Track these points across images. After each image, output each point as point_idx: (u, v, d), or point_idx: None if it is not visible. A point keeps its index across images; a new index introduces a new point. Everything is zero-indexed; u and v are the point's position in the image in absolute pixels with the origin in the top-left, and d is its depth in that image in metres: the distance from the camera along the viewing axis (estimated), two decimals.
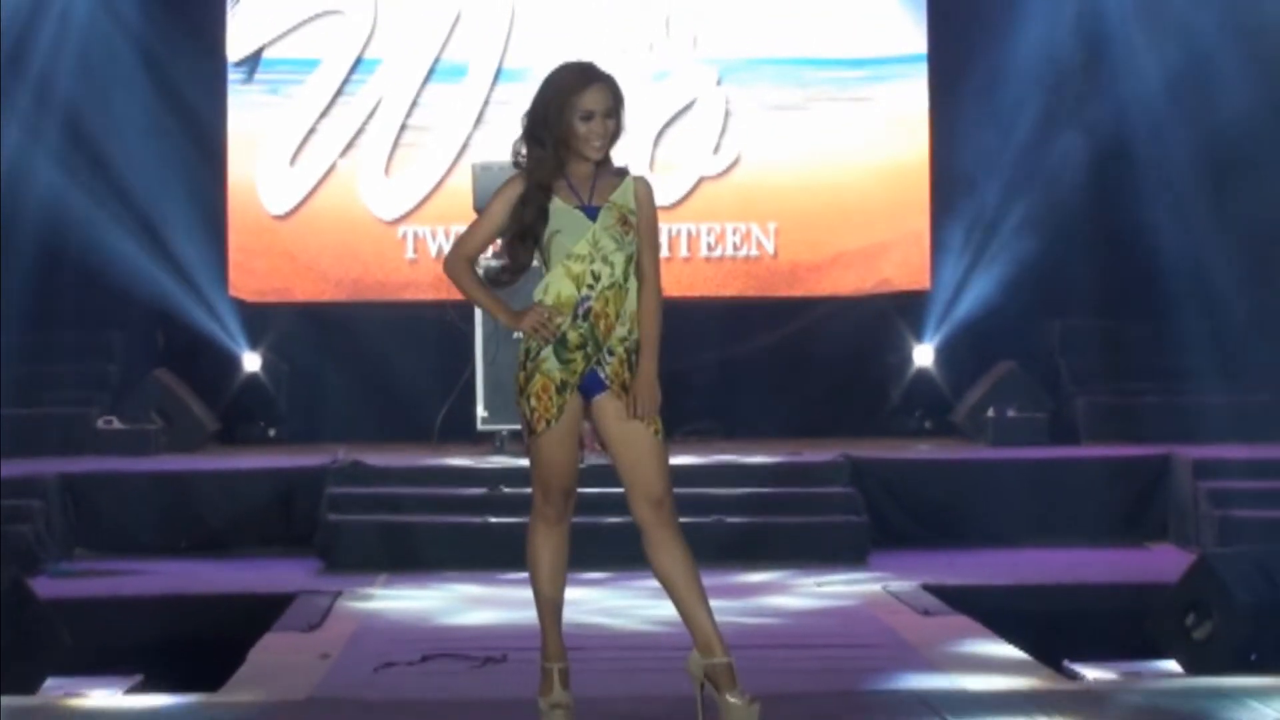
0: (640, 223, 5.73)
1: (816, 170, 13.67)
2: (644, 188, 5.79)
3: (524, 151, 5.73)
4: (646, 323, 5.75)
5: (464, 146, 13.49)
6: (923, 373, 13.72)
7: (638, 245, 5.73)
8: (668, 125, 13.52)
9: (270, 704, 6.53)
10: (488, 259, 11.59)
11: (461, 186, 12.53)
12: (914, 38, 13.69)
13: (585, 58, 5.86)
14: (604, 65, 5.80)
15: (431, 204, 13.60)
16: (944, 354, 13.71)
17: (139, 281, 13.38)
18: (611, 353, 5.69)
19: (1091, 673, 8.02)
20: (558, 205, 5.68)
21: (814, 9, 13.67)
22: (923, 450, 12.41)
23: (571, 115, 5.64)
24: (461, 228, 13.23)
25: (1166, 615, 7.97)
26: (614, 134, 5.70)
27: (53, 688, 7.65)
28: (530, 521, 5.79)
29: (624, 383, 5.69)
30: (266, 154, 13.63)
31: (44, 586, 8.84)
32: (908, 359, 13.78)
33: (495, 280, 5.77)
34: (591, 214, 5.68)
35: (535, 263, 5.77)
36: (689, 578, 5.66)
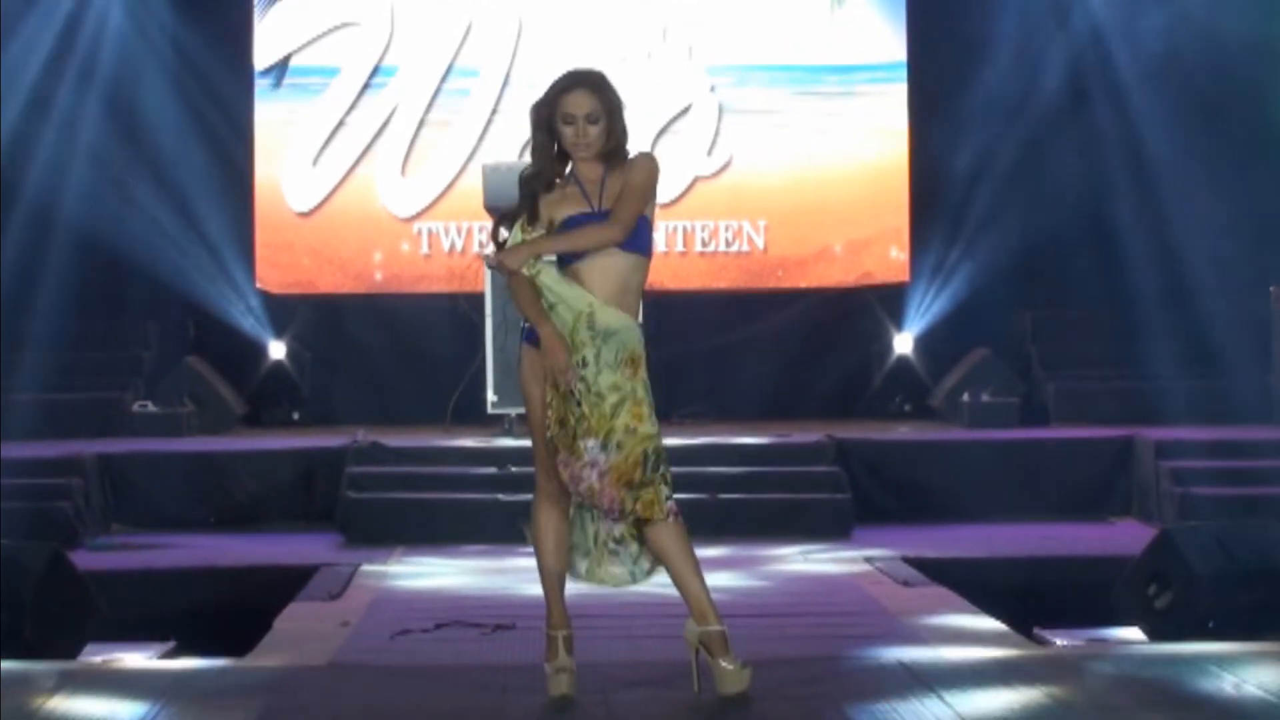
0: (625, 182, 5.62)
1: (803, 171, 13.65)
2: (640, 159, 5.66)
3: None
4: (583, 226, 5.54)
5: (475, 148, 13.46)
6: (902, 360, 13.71)
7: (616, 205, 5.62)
8: (665, 128, 13.51)
9: (294, 668, 6.52)
10: (488, 252, 11.62)
11: (473, 186, 12.49)
12: (894, 47, 13.66)
13: (589, 65, 5.81)
14: (605, 70, 5.74)
15: (444, 202, 13.59)
16: (922, 342, 13.70)
17: (172, 275, 13.38)
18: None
19: (1060, 640, 8.01)
20: (570, 210, 5.63)
21: (802, 20, 13.64)
22: (903, 432, 12.39)
23: (557, 121, 5.61)
24: (472, 223, 13.42)
25: (1130, 586, 7.95)
26: (604, 136, 5.60)
27: (91, 653, 7.63)
28: (534, 499, 5.77)
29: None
30: (291, 156, 13.60)
31: (83, 560, 8.81)
32: (888, 347, 13.77)
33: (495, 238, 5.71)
34: (602, 219, 5.60)
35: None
36: (684, 552, 5.63)
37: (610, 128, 5.61)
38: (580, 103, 5.59)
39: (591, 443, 5.51)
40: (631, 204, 5.57)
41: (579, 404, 5.51)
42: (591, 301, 5.55)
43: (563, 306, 5.55)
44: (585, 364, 5.52)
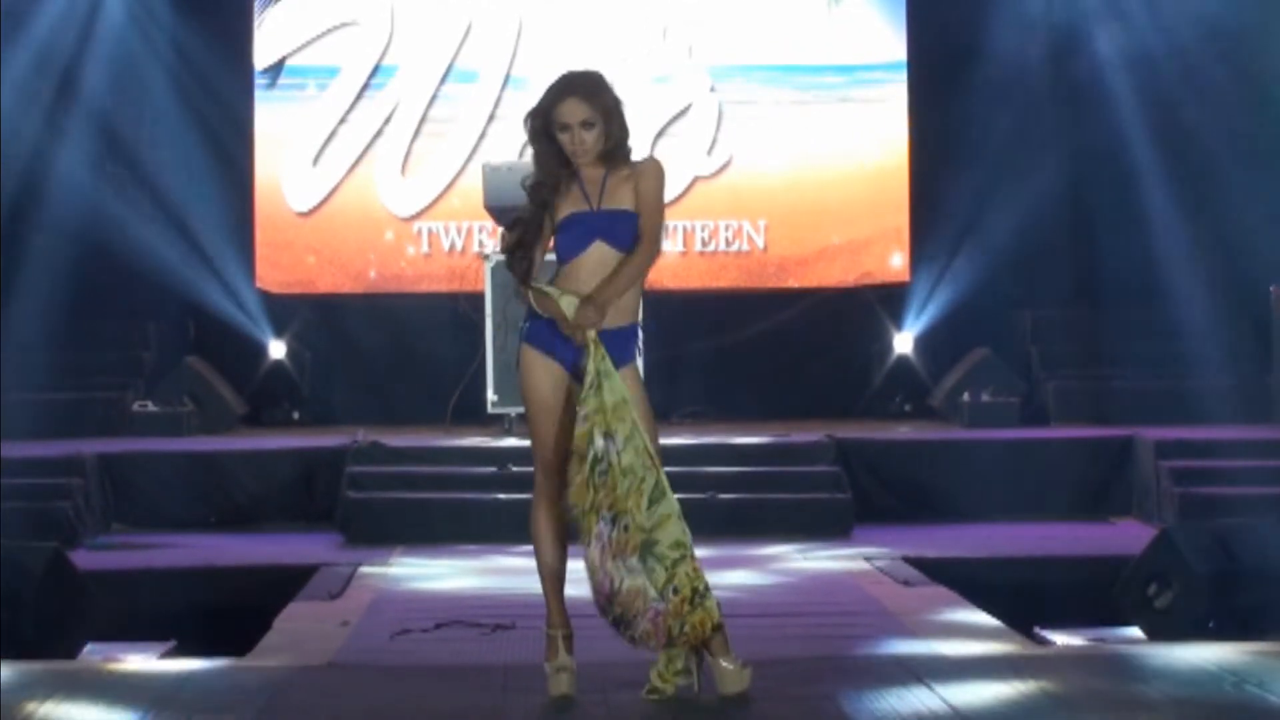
0: (640, 194, 5.67)
1: (804, 170, 13.65)
2: (648, 166, 5.72)
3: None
4: (625, 263, 5.63)
5: (475, 148, 13.45)
6: (903, 359, 13.71)
7: (638, 219, 5.67)
8: (665, 128, 13.51)
9: (294, 668, 6.52)
10: (498, 254, 11.64)
11: (473, 186, 12.49)
12: (894, 46, 13.66)
13: (586, 66, 5.83)
14: (605, 70, 5.75)
15: (444, 202, 13.58)
16: (922, 342, 13.70)
17: (172, 275, 13.37)
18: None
19: (1060, 639, 8.01)
20: (570, 209, 5.65)
21: (802, 20, 13.64)
22: (903, 432, 12.39)
23: (554, 131, 5.62)
24: (472, 223, 13.44)
25: (1130, 586, 7.95)
26: (602, 138, 5.63)
27: (91, 653, 7.65)
28: (533, 499, 5.78)
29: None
30: (291, 155, 13.60)
31: (83, 559, 8.82)
32: (888, 346, 13.77)
33: (508, 261, 5.75)
34: (598, 219, 5.63)
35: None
36: None
37: (607, 130, 5.64)
38: (573, 111, 5.61)
39: (604, 518, 5.52)
40: (654, 217, 5.68)
41: (604, 477, 5.52)
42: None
43: (616, 378, 5.56)
44: (613, 438, 5.52)
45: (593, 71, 5.74)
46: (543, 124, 5.64)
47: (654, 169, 5.73)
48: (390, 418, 12.89)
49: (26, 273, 12.86)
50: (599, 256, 5.63)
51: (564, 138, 5.62)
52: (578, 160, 5.64)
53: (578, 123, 5.61)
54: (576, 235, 5.64)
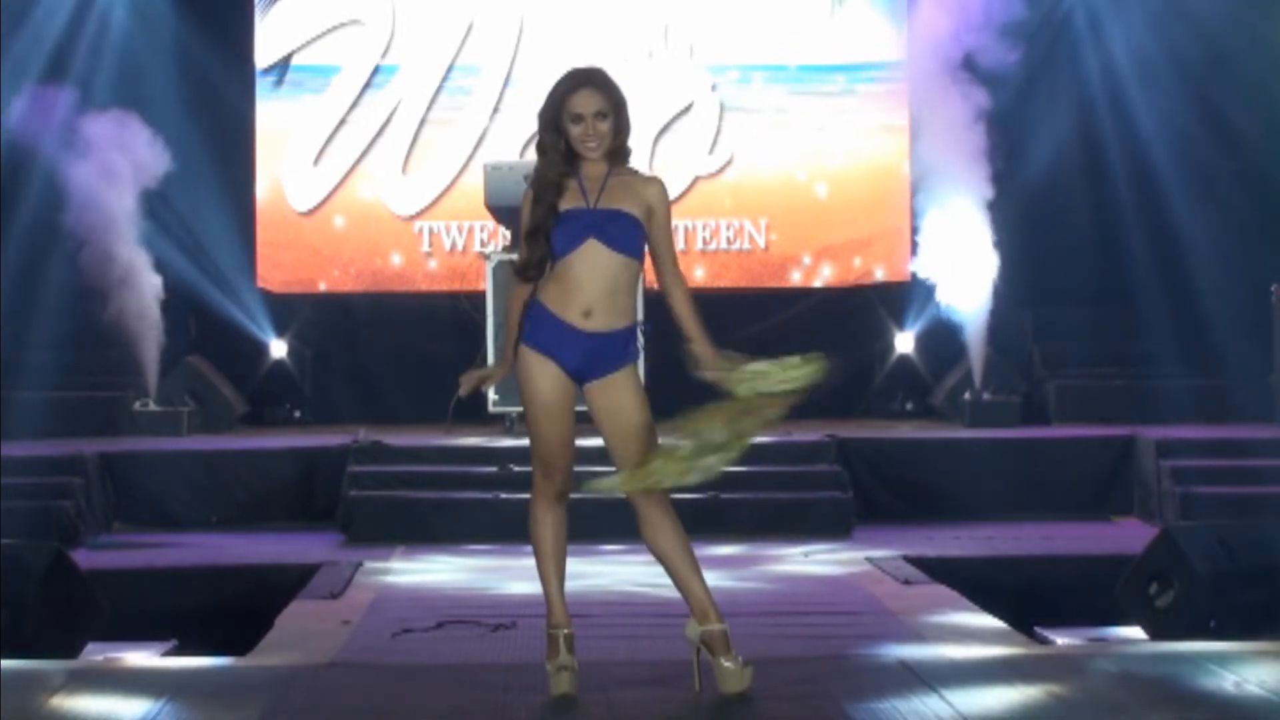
0: (656, 225, 5.71)
1: (805, 169, 13.66)
2: (657, 191, 5.74)
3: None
4: (685, 316, 5.91)
5: (476, 147, 13.48)
6: (904, 358, 13.71)
7: (656, 248, 5.71)
8: (666, 127, 13.53)
9: (296, 667, 6.51)
10: (499, 253, 11.65)
11: (474, 185, 12.51)
12: (895, 46, 13.66)
13: (589, 64, 5.83)
14: (605, 69, 5.75)
15: (446, 201, 13.60)
16: (923, 341, 13.69)
17: (174, 274, 13.36)
18: None
19: (1061, 638, 8.02)
20: (567, 205, 5.65)
21: (803, 20, 13.65)
22: (904, 431, 12.40)
23: (565, 120, 5.61)
24: (473, 223, 13.44)
25: (1131, 585, 7.95)
26: (612, 133, 5.62)
27: (93, 652, 7.65)
28: (532, 498, 5.78)
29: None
30: (292, 155, 13.62)
31: (84, 558, 8.83)
32: (890, 346, 13.77)
33: (522, 274, 5.72)
34: (593, 216, 5.63)
35: None
36: (682, 551, 5.66)
37: (617, 125, 5.63)
38: (588, 101, 5.60)
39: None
40: (672, 246, 5.87)
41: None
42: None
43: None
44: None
45: (599, 67, 5.74)
46: (554, 116, 5.63)
47: (665, 195, 5.76)
48: (391, 417, 12.90)
49: (28, 272, 12.86)
50: (592, 254, 5.63)
51: (576, 129, 5.60)
52: (588, 153, 5.62)
53: (592, 113, 5.59)
54: (571, 231, 5.62)
